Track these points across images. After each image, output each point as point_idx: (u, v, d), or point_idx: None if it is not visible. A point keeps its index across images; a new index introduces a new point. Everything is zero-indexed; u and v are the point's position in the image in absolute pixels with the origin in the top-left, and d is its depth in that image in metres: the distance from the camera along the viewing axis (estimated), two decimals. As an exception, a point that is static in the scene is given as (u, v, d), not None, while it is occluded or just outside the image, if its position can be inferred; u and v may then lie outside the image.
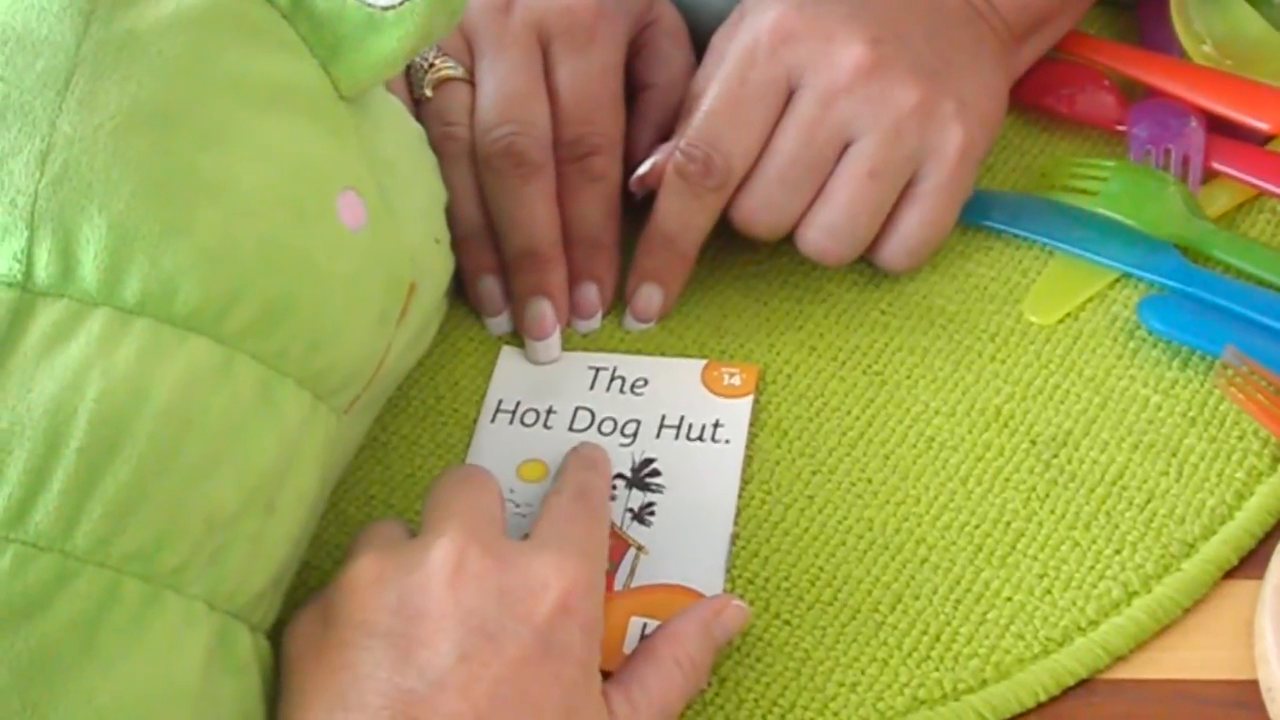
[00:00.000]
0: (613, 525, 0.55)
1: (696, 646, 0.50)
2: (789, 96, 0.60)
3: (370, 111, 0.52)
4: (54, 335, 0.42)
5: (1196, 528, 0.54)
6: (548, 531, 0.51)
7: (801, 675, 0.52)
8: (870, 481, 0.57)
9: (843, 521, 0.56)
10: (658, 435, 0.59)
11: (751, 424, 0.59)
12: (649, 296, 0.63)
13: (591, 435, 0.59)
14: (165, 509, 0.42)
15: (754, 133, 0.60)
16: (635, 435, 0.59)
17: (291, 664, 0.46)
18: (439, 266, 0.56)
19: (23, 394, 0.41)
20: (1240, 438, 0.57)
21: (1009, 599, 0.53)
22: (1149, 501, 0.55)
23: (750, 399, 0.60)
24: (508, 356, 0.63)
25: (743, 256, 0.65)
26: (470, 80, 0.63)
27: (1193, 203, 0.64)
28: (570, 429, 0.59)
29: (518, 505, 0.56)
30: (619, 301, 0.64)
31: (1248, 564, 0.54)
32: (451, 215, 0.59)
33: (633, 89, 0.66)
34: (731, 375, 0.61)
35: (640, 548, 0.55)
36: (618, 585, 0.54)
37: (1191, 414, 0.58)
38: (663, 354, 0.62)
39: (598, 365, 0.62)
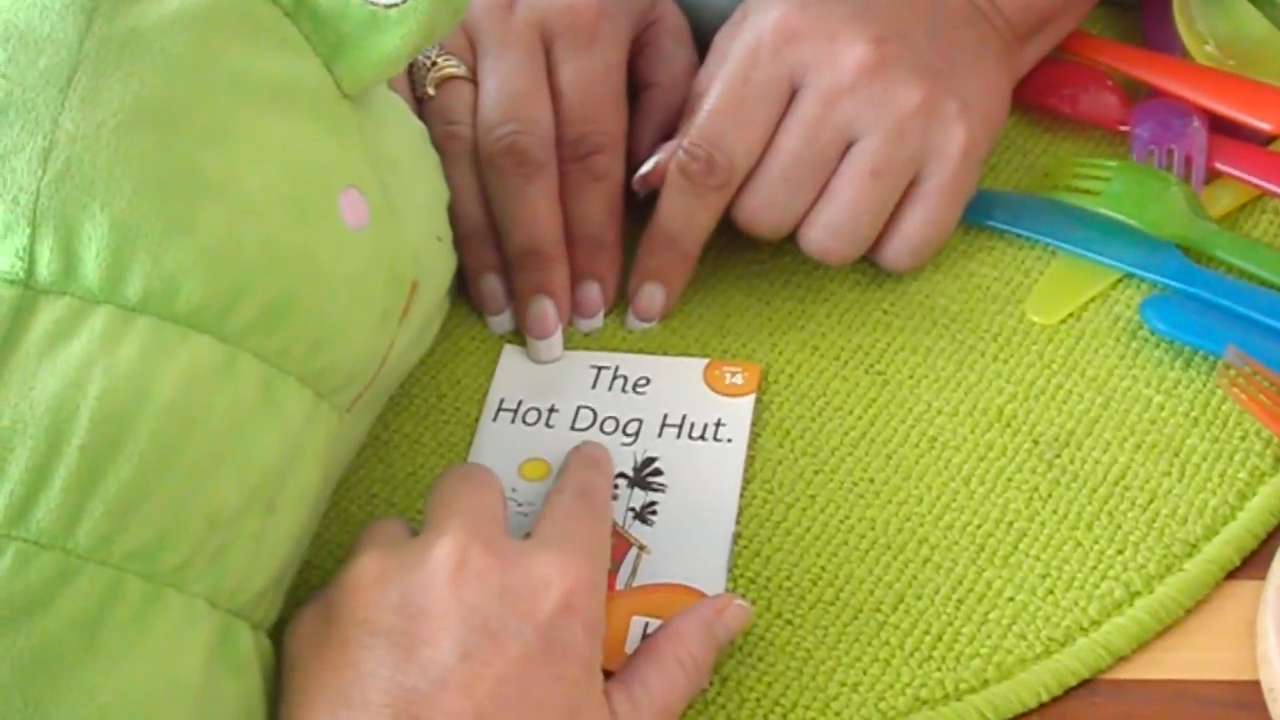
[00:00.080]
0: (614, 524, 0.55)
1: (698, 646, 0.50)
2: (792, 96, 0.60)
3: (373, 110, 0.52)
4: (56, 333, 0.42)
5: (1199, 528, 0.54)
6: (550, 530, 0.51)
7: (803, 675, 0.52)
8: (872, 481, 0.57)
9: (845, 521, 0.56)
10: (660, 434, 0.59)
11: (754, 423, 0.59)
12: (651, 295, 0.63)
13: (593, 434, 0.59)
14: (167, 507, 0.42)
15: (757, 132, 0.60)
16: (637, 434, 0.59)
17: (293, 662, 0.46)
18: (441, 265, 0.56)
19: (25, 392, 0.41)
20: (1243, 438, 0.57)
21: (1011, 599, 0.53)
22: (1151, 501, 0.55)
23: (752, 398, 0.60)
24: (510, 355, 0.63)
25: (745, 256, 0.65)
26: (473, 79, 0.63)
27: (1195, 203, 0.64)
28: (572, 428, 0.59)
29: (519, 504, 0.56)
30: (621, 300, 0.64)
31: (1250, 564, 0.54)
32: (454, 214, 0.59)
33: (635, 88, 0.66)
34: (734, 374, 0.61)
35: (642, 547, 0.55)
36: (619, 584, 0.54)
37: (1194, 414, 0.58)
38: (665, 353, 0.62)
39: (600, 364, 0.62)
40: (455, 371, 0.62)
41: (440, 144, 0.60)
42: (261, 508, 0.45)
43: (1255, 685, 0.50)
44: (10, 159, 0.42)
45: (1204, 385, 0.59)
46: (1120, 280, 0.63)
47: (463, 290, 0.64)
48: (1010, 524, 0.55)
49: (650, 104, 0.66)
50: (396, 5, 0.49)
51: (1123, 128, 0.69)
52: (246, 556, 0.45)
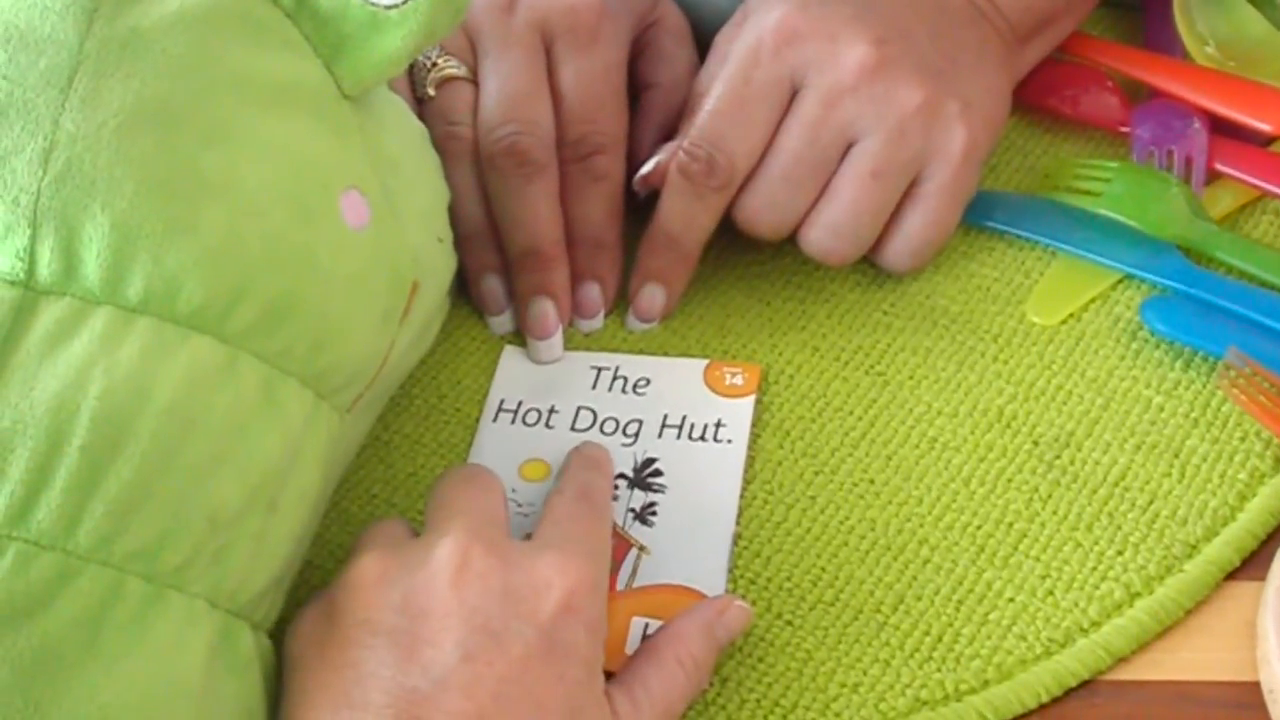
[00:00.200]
0: (615, 525, 0.55)
1: (699, 646, 0.50)
2: (792, 96, 0.60)
3: (373, 111, 0.52)
4: (56, 334, 0.42)
5: (1199, 529, 0.54)
6: (551, 531, 0.51)
7: (803, 676, 0.52)
8: (873, 482, 0.57)
9: (845, 522, 0.56)
10: (660, 435, 0.59)
11: (754, 424, 0.59)
12: (652, 296, 0.63)
13: (593, 435, 0.59)
14: (168, 508, 0.42)
15: (757, 132, 0.60)
16: (637, 435, 0.59)
17: (295, 662, 0.47)
18: (442, 266, 0.56)
19: (25, 392, 0.41)
20: (1243, 439, 0.57)
21: (1011, 600, 0.53)
22: (1151, 502, 0.55)
23: (752, 399, 0.60)
24: (510, 356, 0.63)
25: (746, 256, 0.65)
26: (473, 79, 0.63)
27: (1196, 204, 0.64)
28: (572, 429, 0.59)
29: (520, 505, 0.56)
30: (621, 301, 0.64)
31: (1250, 565, 0.54)
32: (454, 214, 0.59)
33: (636, 88, 0.66)
34: (734, 375, 0.61)
35: (642, 548, 0.55)
36: (620, 585, 0.54)
37: (1194, 415, 0.58)
38: (665, 354, 0.62)
39: (600, 365, 0.62)
40: (456, 372, 0.62)
41: (441, 145, 0.60)
42: (262, 508, 0.45)
43: (1255, 686, 0.50)
44: (11, 159, 0.43)
45: (1204, 386, 0.59)
46: (1120, 281, 0.63)
47: (463, 291, 0.64)
48: (1010, 525, 0.55)
49: (651, 105, 0.66)
50: (397, 6, 0.49)
51: (1123, 129, 0.69)
52: (247, 557, 0.45)
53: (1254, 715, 0.49)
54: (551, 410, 0.60)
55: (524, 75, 0.62)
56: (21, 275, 0.42)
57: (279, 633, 0.48)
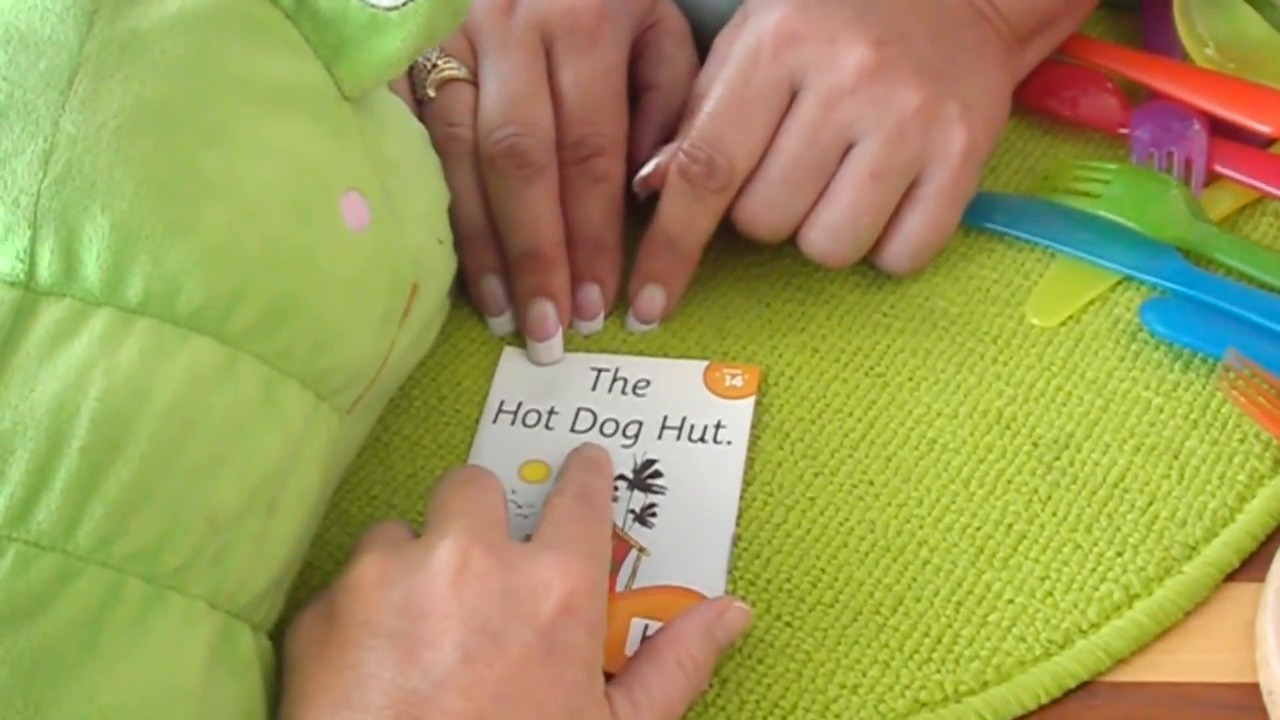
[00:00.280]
0: (614, 527, 0.55)
1: (699, 648, 0.50)
2: (792, 98, 0.60)
3: (373, 112, 0.52)
4: (56, 335, 0.42)
5: (1198, 530, 0.54)
6: (550, 533, 0.51)
7: (803, 677, 0.52)
8: (872, 483, 0.57)
9: (844, 523, 0.56)
10: (659, 436, 0.59)
11: (753, 425, 0.59)
12: (651, 297, 0.63)
13: (593, 436, 0.59)
14: (167, 509, 0.42)
15: (757, 134, 0.60)
16: (637, 436, 0.59)
17: (294, 663, 0.47)
18: (441, 267, 0.56)
19: (25, 393, 0.41)
20: (1242, 440, 0.57)
21: (1010, 601, 0.53)
22: (1150, 504, 0.55)
23: (752, 400, 0.60)
24: (510, 357, 0.63)
25: (745, 258, 0.65)
26: (473, 81, 0.63)
27: (1195, 205, 0.64)
28: (572, 430, 0.59)
29: (519, 506, 0.56)
30: (621, 302, 0.64)
31: (1249, 567, 0.54)
32: (454, 216, 0.59)
33: (635, 90, 0.66)
34: (733, 376, 0.61)
35: (642, 549, 0.55)
36: (619, 587, 0.54)
37: (1193, 417, 0.58)
38: (665, 355, 0.62)
39: (600, 366, 0.62)
40: (455, 373, 0.62)
41: (441, 146, 0.60)
42: (262, 509, 0.45)
43: (1254, 688, 0.50)
44: (11, 161, 0.43)
45: (1203, 388, 0.59)
46: (1120, 283, 0.63)
47: (463, 292, 0.64)
48: (1009, 526, 0.55)
49: (650, 106, 0.66)
50: (397, 7, 0.49)
51: (1122, 130, 0.69)
52: (247, 558, 0.45)
53: (1253, 717, 0.49)
54: (551, 411, 0.60)
55: (524, 77, 0.62)
56: (21, 276, 0.42)
57: (279, 634, 0.48)
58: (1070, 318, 0.62)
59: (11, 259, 0.42)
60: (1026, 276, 0.64)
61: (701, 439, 0.59)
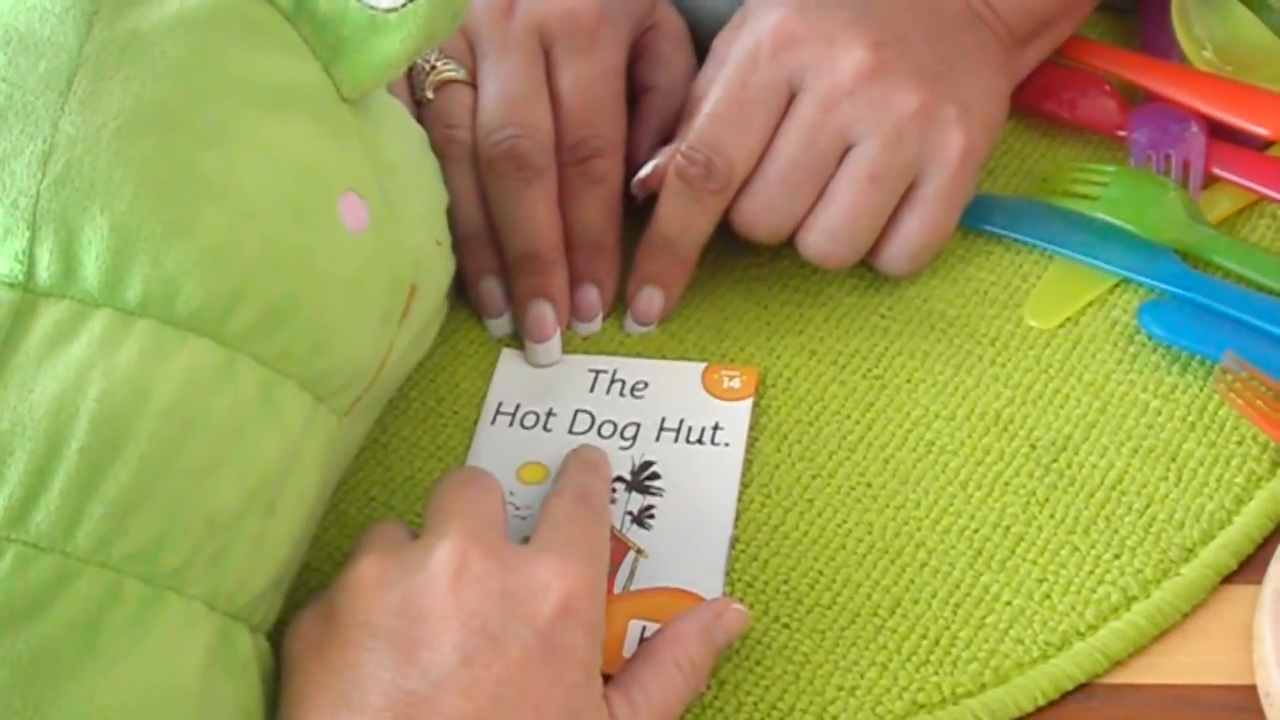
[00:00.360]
0: (612, 528, 0.55)
1: (697, 649, 0.50)
2: (790, 100, 0.60)
3: (372, 113, 0.52)
4: (55, 336, 0.42)
5: (1195, 532, 0.54)
6: (549, 534, 0.51)
7: (800, 679, 0.52)
8: (870, 485, 0.57)
9: (842, 525, 0.56)
10: (657, 438, 0.59)
11: (751, 427, 0.59)
12: (649, 299, 0.63)
13: (591, 438, 0.59)
14: (166, 510, 0.42)
15: (755, 136, 0.60)
16: (635, 438, 0.59)
17: (293, 664, 0.47)
18: (440, 268, 0.56)
19: (24, 394, 0.41)
20: (1239, 443, 0.57)
21: (1008, 603, 0.53)
22: (1148, 506, 0.55)
23: (750, 402, 0.60)
24: (508, 359, 0.63)
25: (743, 260, 0.65)
26: (472, 83, 0.63)
27: (1193, 208, 0.64)
28: (570, 431, 0.59)
29: (517, 507, 0.56)
30: (620, 304, 0.64)
31: (1246, 569, 0.54)
32: (453, 217, 0.59)
33: (634, 92, 0.66)
34: (731, 378, 0.61)
35: (640, 551, 0.55)
36: (617, 588, 0.54)
37: (1191, 419, 0.58)
38: (663, 357, 0.63)
39: (598, 368, 0.62)
40: (454, 375, 0.63)
41: (439, 148, 0.60)
42: (261, 510, 0.45)
43: (1252, 689, 0.50)
44: (10, 162, 0.43)
45: (1201, 390, 0.59)
46: (1118, 285, 0.63)
47: (462, 293, 0.64)
48: (1007, 528, 0.55)
49: (649, 108, 0.66)
50: (396, 9, 0.49)
51: (1120, 133, 0.69)
52: (246, 559, 0.45)
53: (1251, 718, 0.50)
54: (549, 413, 0.60)
55: (523, 79, 0.62)
56: (21, 278, 0.42)
57: (277, 634, 0.48)
58: (1068, 320, 0.62)
59: (10, 260, 0.42)
60: (1024, 278, 0.64)
61: (699, 441, 0.59)
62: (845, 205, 0.60)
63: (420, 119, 0.61)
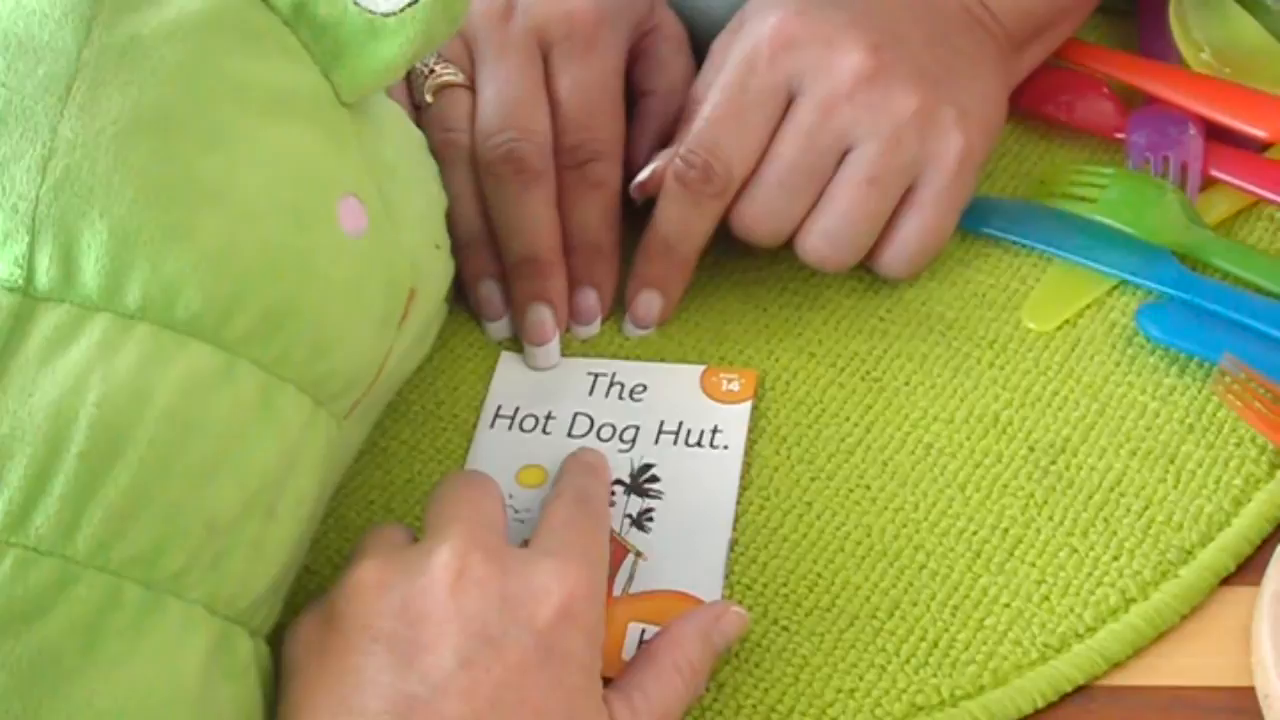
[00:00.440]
0: (611, 531, 0.55)
1: (696, 652, 0.50)
2: (789, 103, 0.60)
3: (371, 117, 0.52)
4: (55, 340, 0.42)
5: (1194, 534, 0.54)
6: (548, 537, 0.51)
7: (800, 681, 0.52)
8: (868, 488, 0.57)
9: (841, 528, 0.56)
10: (656, 441, 0.59)
11: (750, 430, 0.59)
12: (648, 302, 0.63)
13: (590, 441, 0.59)
14: (166, 514, 0.42)
15: (754, 139, 0.60)
16: (634, 441, 0.59)
17: (293, 668, 0.47)
18: (439, 272, 0.56)
19: (23, 399, 0.41)
20: (1238, 444, 0.57)
21: (1007, 605, 0.53)
22: (1147, 508, 0.55)
23: (749, 405, 0.60)
24: (507, 362, 0.63)
25: (742, 263, 0.65)
26: (471, 86, 0.63)
27: (1191, 210, 0.64)
28: (569, 434, 0.59)
29: (517, 510, 0.56)
30: (618, 307, 0.64)
31: (1245, 570, 0.54)
32: (452, 221, 0.59)
33: (633, 95, 0.66)
34: (730, 381, 0.61)
35: (639, 554, 0.55)
36: (616, 591, 0.54)
37: (1189, 421, 0.58)
38: (662, 360, 0.63)
39: (597, 371, 0.62)
40: (453, 378, 0.63)
41: (438, 151, 0.60)
42: (260, 514, 0.45)
43: (1250, 691, 0.50)
44: (9, 167, 0.43)
45: (1199, 392, 0.59)
46: (1116, 287, 0.63)
47: (460, 297, 0.64)
48: (1006, 530, 0.55)
49: (648, 111, 0.66)
50: (395, 13, 0.49)
51: (1119, 135, 0.69)
52: (245, 563, 0.45)
53: (1249, 720, 0.50)
54: (548, 416, 0.60)
55: (521, 82, 0.62)
56: (20, 282, 0.42)
57: (277, 638, 0.48)
58: (1066, 322, 0.62)
59: (10, 264, 0.42)
60: (1023, 281, 0.64)
61: (698, 444, 0.59)
62: (844, 208, 0.60)
63: (419, 123, 0.61)
